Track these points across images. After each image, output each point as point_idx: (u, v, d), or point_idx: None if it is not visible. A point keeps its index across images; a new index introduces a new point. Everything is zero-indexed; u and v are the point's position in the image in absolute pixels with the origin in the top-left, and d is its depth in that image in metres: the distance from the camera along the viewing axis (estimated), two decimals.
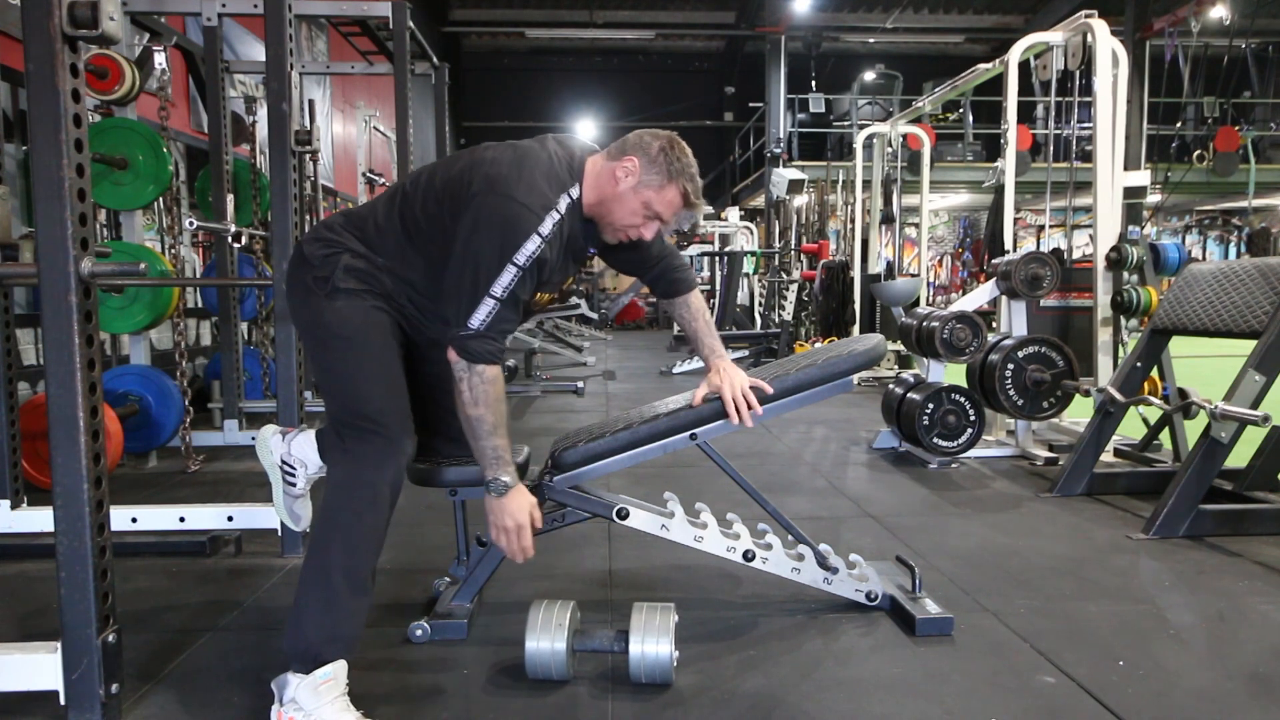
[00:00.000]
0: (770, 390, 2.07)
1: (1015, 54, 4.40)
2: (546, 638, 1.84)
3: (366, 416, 1.75)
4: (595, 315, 12.50)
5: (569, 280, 1.95)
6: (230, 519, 2.83)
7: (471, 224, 1.73)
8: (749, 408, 2.04)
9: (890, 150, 7.58)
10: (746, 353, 8.81)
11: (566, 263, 1.92)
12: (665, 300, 2.21)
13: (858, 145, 7.72)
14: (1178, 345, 3.59)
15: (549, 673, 1.85)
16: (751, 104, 15.63)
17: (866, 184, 7.76)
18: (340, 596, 1.68)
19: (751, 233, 11.19)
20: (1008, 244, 4.49)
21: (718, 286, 10.68)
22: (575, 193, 1.85)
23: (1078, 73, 4.27)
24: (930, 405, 3.97)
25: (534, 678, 1.86)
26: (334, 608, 1.68)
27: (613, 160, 1.87)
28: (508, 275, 1.72)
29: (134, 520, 2.80)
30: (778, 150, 13.75)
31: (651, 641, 1.82)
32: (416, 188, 1.85)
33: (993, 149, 12.44)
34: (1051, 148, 5.46)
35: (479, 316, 1.73)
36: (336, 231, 1.84)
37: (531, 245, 1.73)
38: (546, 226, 1.75)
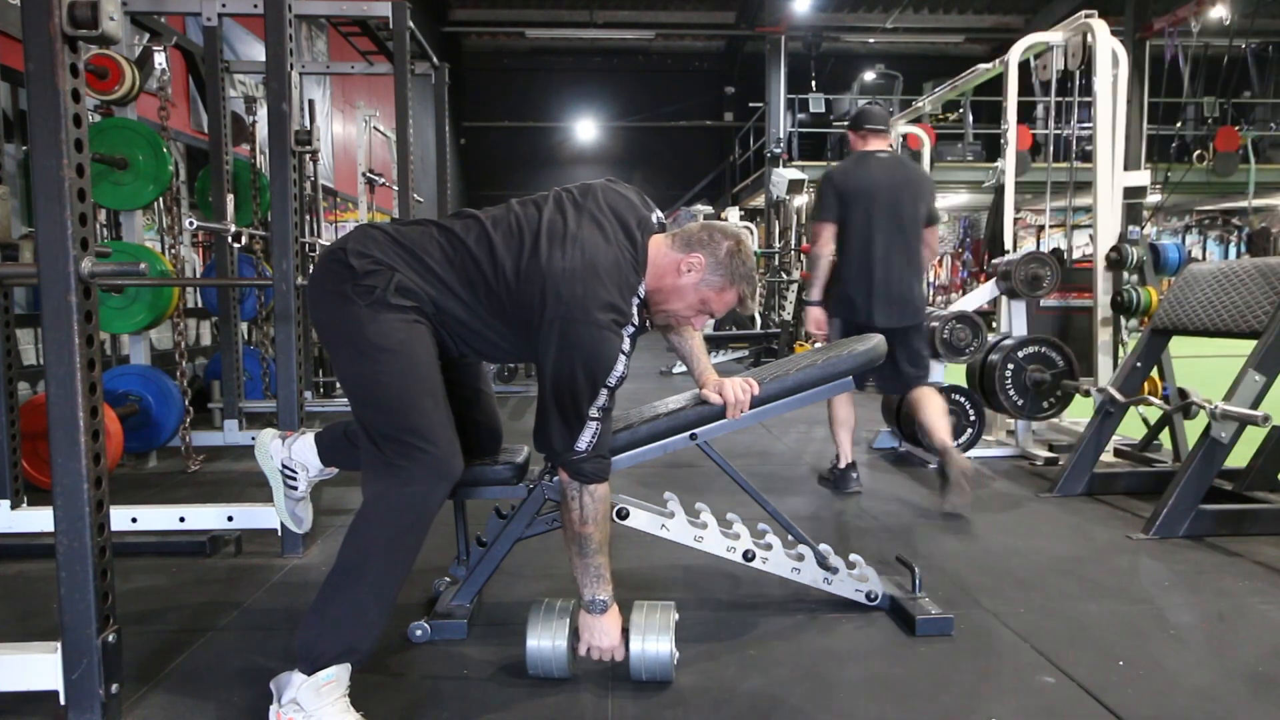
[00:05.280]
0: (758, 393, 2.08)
1: (1015, 54, 4.40)
2: (548, 635, 1.84)
3: (415, 432, 1.70)
4: None
5: None
6: (230, 519, 2.83)
7: (557, 350, 1.72)
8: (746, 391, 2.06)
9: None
10: (746, 353, 8.81)
11: None
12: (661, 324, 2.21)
13: None
14: (1178, 345, 3.59)
15: (550, 671, 1.85)
16: (751, 104, 15.63)
17: None
18: (367, 611, 1.68)
19: (752, 233, 11.19)
20: (1008, 244, 4.49)
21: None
22: (642, 291, 1.85)
23: (1078, 73, 4.27)
24: None
25: (535, 676, 1.86)
26: (358, 621, 1.67)
27: (678, 252, 1.87)
28: (602, 396, 1.76)
29: (134, 520, 2.80)
30: (778, 150, 13.75)
31: (652, 639, 1.82)
32: (480, 251, 1.80)
33: (993, 149, 12.44)
34: (1051, 148, 5.46)
35: (585, 439, 1.77)
36: (384, 251, 1.79)
37: (619, 366, 1.75)
38: (627, 342, 1.78)
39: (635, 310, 1.81)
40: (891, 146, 3.57)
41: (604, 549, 1.85)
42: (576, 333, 1.71)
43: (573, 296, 1.71)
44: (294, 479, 2.15)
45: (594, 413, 1.76)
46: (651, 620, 1.84)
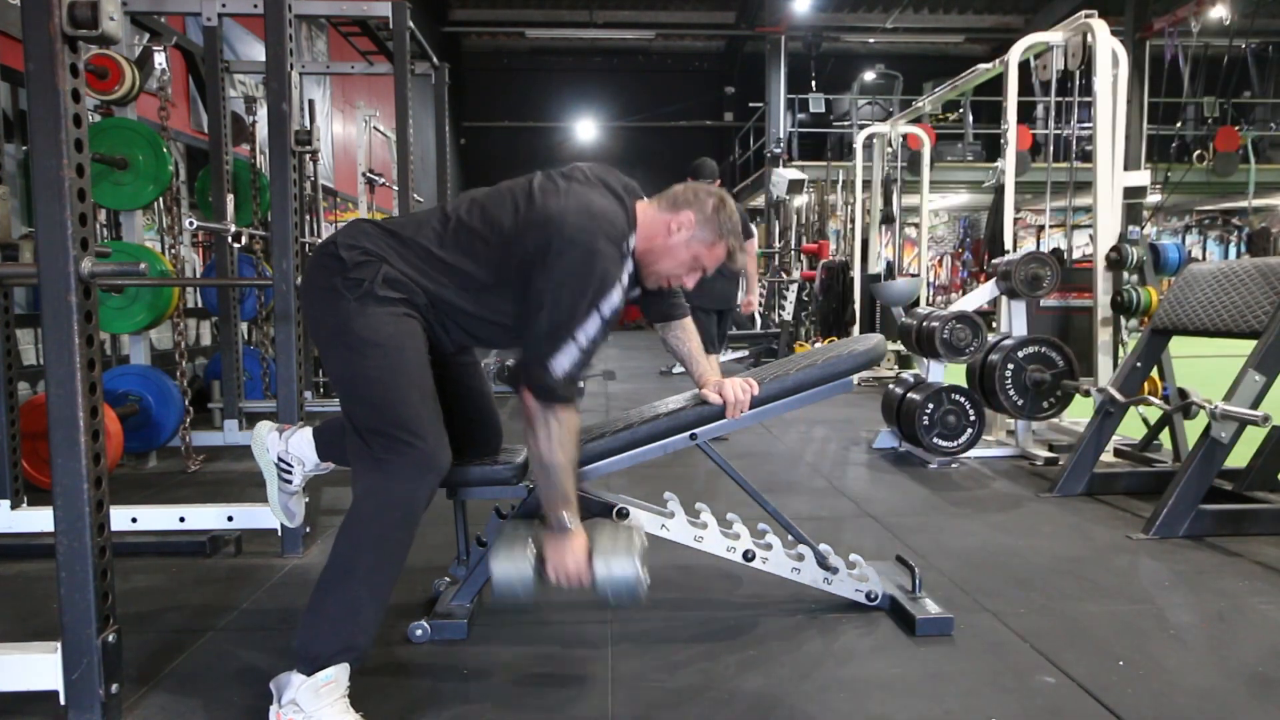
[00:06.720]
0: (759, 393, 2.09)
1: (1015, 54, 4.40)
2: (512, 560, 1.80)
3: (403, 426, 1.70)
4: None
5: None
6: (230, 519, 2.83)
7: (560, 271, 1.74)
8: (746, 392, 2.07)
9: (890, 150, 7.58)
10: (746, 353, 8.81)
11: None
12: (660, 324, 2.22)
13: (858, 145, 7.73)
14: (1178, 345, 3.59)
15: (515, 595, 1.82)
16: (751, 104, 15.63)
17: (866, 184, 7.76)
18: (361, 608, 1.67)
19: (751, 233, 11.18)
20: (1008, 244, 4.49)
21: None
22: (633, 240, 1.88)
23: (1078, 73, 4.27)
24: (930, 405, 3.97)
25: (500, 599, 1.83)
26: (353, 618, 1.67)
27: (665, 212, 1.92)
28: (593, 324, 1.76)
29: (134, 520, 2.80)
30: (778, 150, 13.74)
31: (617, 562, 1.79)
32: (471, 218, 1.84)
33: (993, 149, 12.44)
34: (1051, 148, 5.47)
35: (563, 363, 1.75)
36: (375, 242, 1.81)
37: (616, 296, 1.77)
38: (624, 276, 1.80)
39: (628, 257, 1.84)
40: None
41: (569, 473, 1.80)
42: (579, 257, 1.74)
43: (576, 226, 1.75)
44: (289, 473, 2.15)
45: (582, 339, 1.75)
46: (616, 543, 1.81)
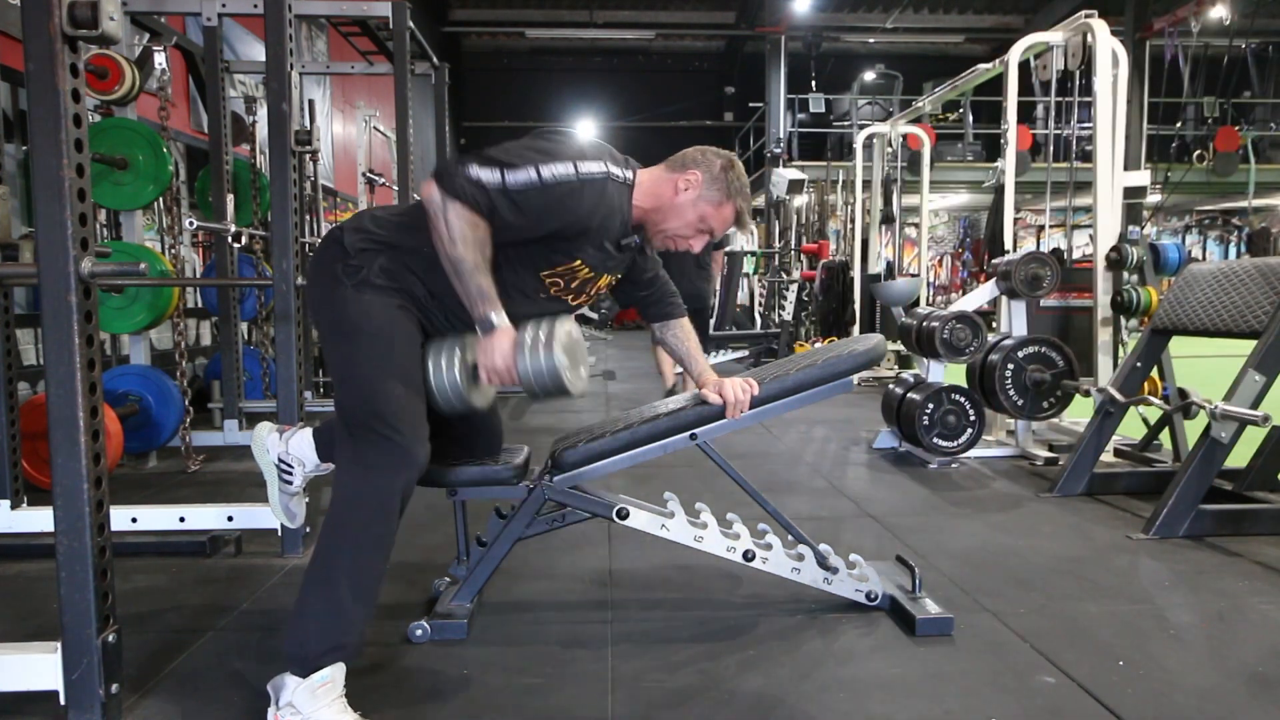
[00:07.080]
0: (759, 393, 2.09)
1: (1015, 54, 4.40)
2: (438, 368, 1.79)
3: (381, 418, 1.70)
4: (595, 315, 12.50)
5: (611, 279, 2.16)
6: (230, 519, 2.83)
7: (523, 142, 1.78)
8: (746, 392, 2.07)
9: (890, 150, 7.58)
10: (746, 353, 8.81)
11: (620, 251, 1.94)
12: (657, 324, 2.21)
13: (858, 145, 7.72)
14: (1178, 345, 3.59)
15: (450, 401, 1.81)
16: (751, 104, 15.62)
17: (866, 184, 7.76)
18: (345, 605, 1.67)
19: (751, 233, 11.18)
20: (1008, 244, 4.49)
21: (717, 286, 10.69)
22: (631, 176, 1.89)
23: (1078, 73, 4.27)
24: (930, 405, 3.97)
25: (438, 402, 1.82)
26: (338, 616, 1.66)
27: (673, 171, 1.94)
28: (524, 175, 1.71)
29: (134, 520, 2.79)
30: (778, 150, 13.74)
31: (540, 352, 1.75)
32: None
33: (993, 149, 12.44)
34: (1051, 148, 5.46)
35: (480, 172, 1.70)
36: (381, 226, 1.83)
37: (563, 170, 1.74)
38: (587, 169, 1.77)
39: (617, 176, 1.84)
40: None
41: (481, 270, 1.74)
42: (545, 136, 1.80)
43: (558, 129, 1.86)
44: (289, 473, 2.15)
45: (509, 177, 1.70)
46: (538, 335, 1.77)
